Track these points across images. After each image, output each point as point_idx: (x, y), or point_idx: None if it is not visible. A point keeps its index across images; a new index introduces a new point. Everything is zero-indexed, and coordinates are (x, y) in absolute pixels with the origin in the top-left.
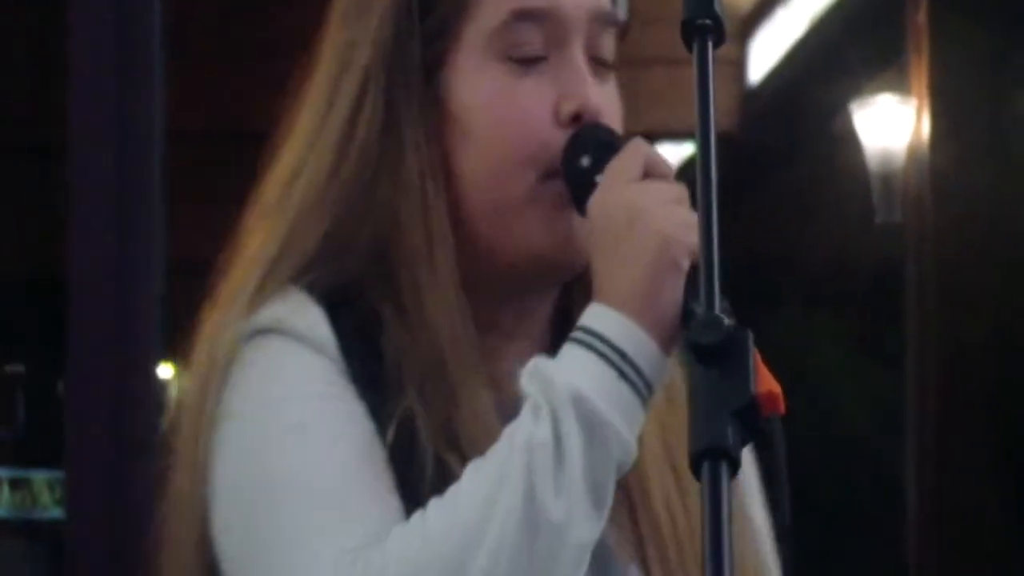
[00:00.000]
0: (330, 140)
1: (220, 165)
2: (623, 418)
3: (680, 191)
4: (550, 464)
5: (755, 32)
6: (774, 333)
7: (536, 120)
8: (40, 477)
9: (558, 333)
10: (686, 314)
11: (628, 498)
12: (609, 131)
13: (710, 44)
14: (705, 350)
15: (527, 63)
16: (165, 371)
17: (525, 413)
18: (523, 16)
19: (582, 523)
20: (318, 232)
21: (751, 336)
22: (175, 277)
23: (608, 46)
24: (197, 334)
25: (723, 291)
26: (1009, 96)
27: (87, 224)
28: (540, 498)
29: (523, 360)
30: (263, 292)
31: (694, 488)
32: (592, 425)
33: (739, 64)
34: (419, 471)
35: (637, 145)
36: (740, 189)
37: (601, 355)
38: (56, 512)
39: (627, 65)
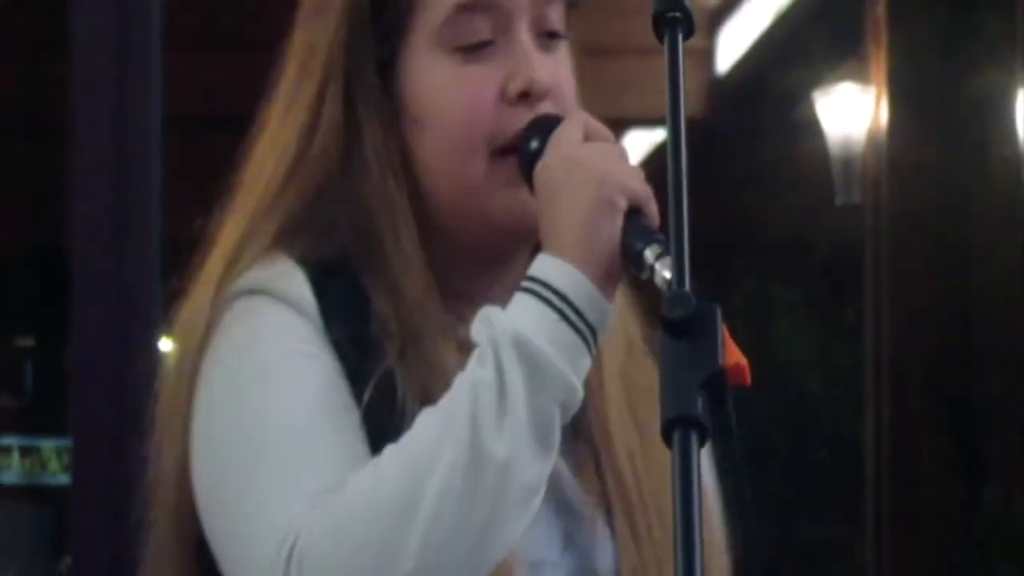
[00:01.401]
0: (291, 137)
1: (213, 149)
2: (564, 357)
3: (621, 149)
4: (493, 402)
5: (723, 24)
6: (740, 306)
7: (485, 102)
8: (48, 445)
9: None
10: (628, 252)
11: (594, 452)
12: (557, 117)
13: (680, 35)
14: (675, 324)
15: (474, 51)
16: (165, 344)
17: (472, 358)
18: (467, 8)
19: (527, 460)
20: (276, 219)
21: (719, 311)
22: (172, 254)
23: (556, 18)
24: (185, 297)
25: (691, 267)
26: (961, 84)
27: (88, 203)
28: (484, 435)
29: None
30: (239, 264)
31: (656, 440)
32: (533, 364)
33: (707, 54)
34: (397, 426)
35: (577, 116)
36: (708, 172)
37: (542, 298)
38: (63, 478)
39: (602, 54)
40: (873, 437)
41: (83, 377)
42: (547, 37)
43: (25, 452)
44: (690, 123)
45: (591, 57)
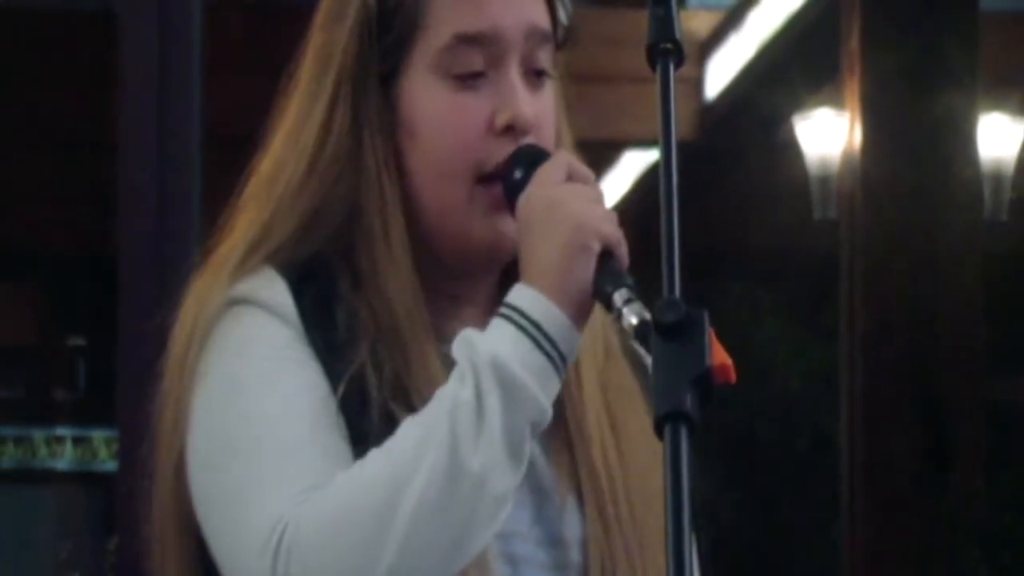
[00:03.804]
0: (309, 139)
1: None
2: (537, 382)
3: (597, 192)
4: (471, 421)
5: (711, 54)
6: (726, 311)
7: (473, 131)
8: (99, 435)
9: (503, 297)
10: (599, 293)
11: (568, 440)
12: (541, 150)
13: (671, 64)
14: (667, 327)
15: (467, 80)
16: None
17: (453, 377)
18: (464, 40)
19: (499, 474)
20: (295, 219)
21: (707, 315)
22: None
23: (544, 57)
24: (186, 297)
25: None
26: (927, 110)
27: (134, 215)
28: (462, 450)
29: (470, 323)
30: (244, 268)
31: (625, 431)
32: (509, 387)
33: (697, 82)
34: (368, 421)
35: (561, 155)
36: (698, 189)
37: (519, 327)
38: (112, 465)
39: (600, 81)
40: (847, 428)
41: (129, 373)
42: (535, 75)
43: (78, 441)
44: (681, 144)
45: (592, 85)
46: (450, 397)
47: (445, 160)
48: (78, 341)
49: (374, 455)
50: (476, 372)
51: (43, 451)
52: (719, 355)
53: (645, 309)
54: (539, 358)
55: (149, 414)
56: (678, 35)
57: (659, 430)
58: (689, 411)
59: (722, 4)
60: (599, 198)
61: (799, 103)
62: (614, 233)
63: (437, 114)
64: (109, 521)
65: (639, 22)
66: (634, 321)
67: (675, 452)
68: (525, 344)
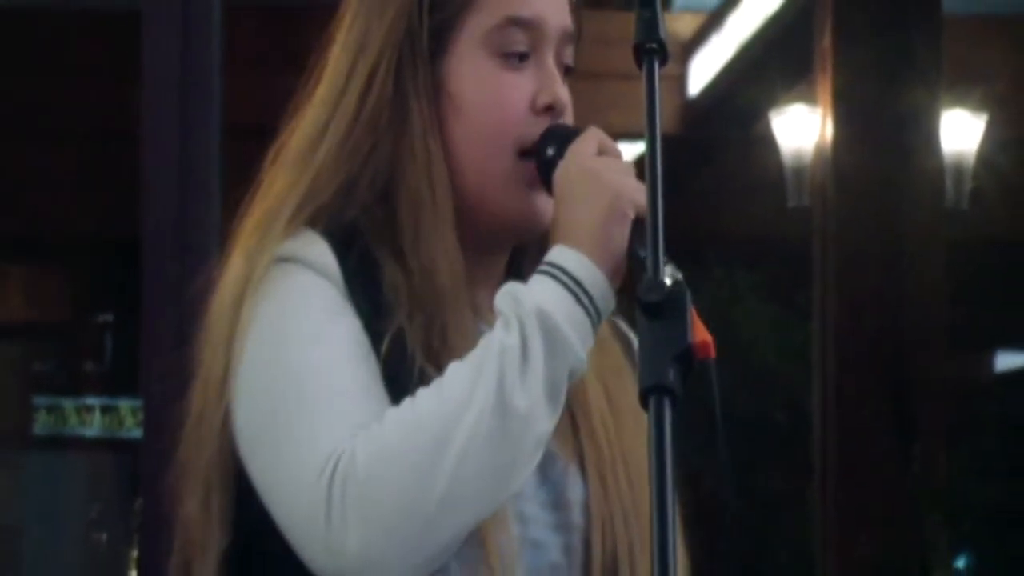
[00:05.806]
0: (348, 108)
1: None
2: (576, 333)
3: (627, 164)
4: (517, 364)
5: (694, 54)
6: (707, 291)
7: (516, 108)
8: (125, 404)
9: (510, 278)
10: (633, 256)
11: (571, 414)
12: (570, 128)
13: (656, 63)
14: (650, 306)
15: (513, 60)
16: None
17: (498, 325)
18: (514, 22)
19: (541, 415)
20: (336, 183)
21: (689, 294)
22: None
23: (570, 55)
24: (232, 253)
25: (669, 255)
26: (895, 106)
27: (157, 199)
28: (509, 390)
29: (488, 297)
30: (290, 228)
31: (621, 407)
32: (552, 336)
33: (680, 79)
34: (407, 377)
35: (593, 131)
36: (681, 179)
37: (561, 283)
38: (138, 433)
39: (590, 77)
40: (820, 402)
41: (153, 347)
42: (563, 69)
43: (105, 410)
44: (665, 137)
45: (585, 80)
46: (497, 342)
47: (490, 132)
48: (106, 318)
49: (424, 393)
50: (521, 321)
51: (74, 419)
52: (700, 332)
53: (677, 269)
54: (579, 312)
55: (178, 381)
56: (663, 36)
57: (644, 402)
58: (672, 385)
59: (705, 7)
60: (630, 170)
61: (775, 99)
62: (646, 203)
63: (485, 89)
64: (135, 484)
65: (627, 23)
66: (667, 280)
67: (659, 422)
68: (567, 299)
